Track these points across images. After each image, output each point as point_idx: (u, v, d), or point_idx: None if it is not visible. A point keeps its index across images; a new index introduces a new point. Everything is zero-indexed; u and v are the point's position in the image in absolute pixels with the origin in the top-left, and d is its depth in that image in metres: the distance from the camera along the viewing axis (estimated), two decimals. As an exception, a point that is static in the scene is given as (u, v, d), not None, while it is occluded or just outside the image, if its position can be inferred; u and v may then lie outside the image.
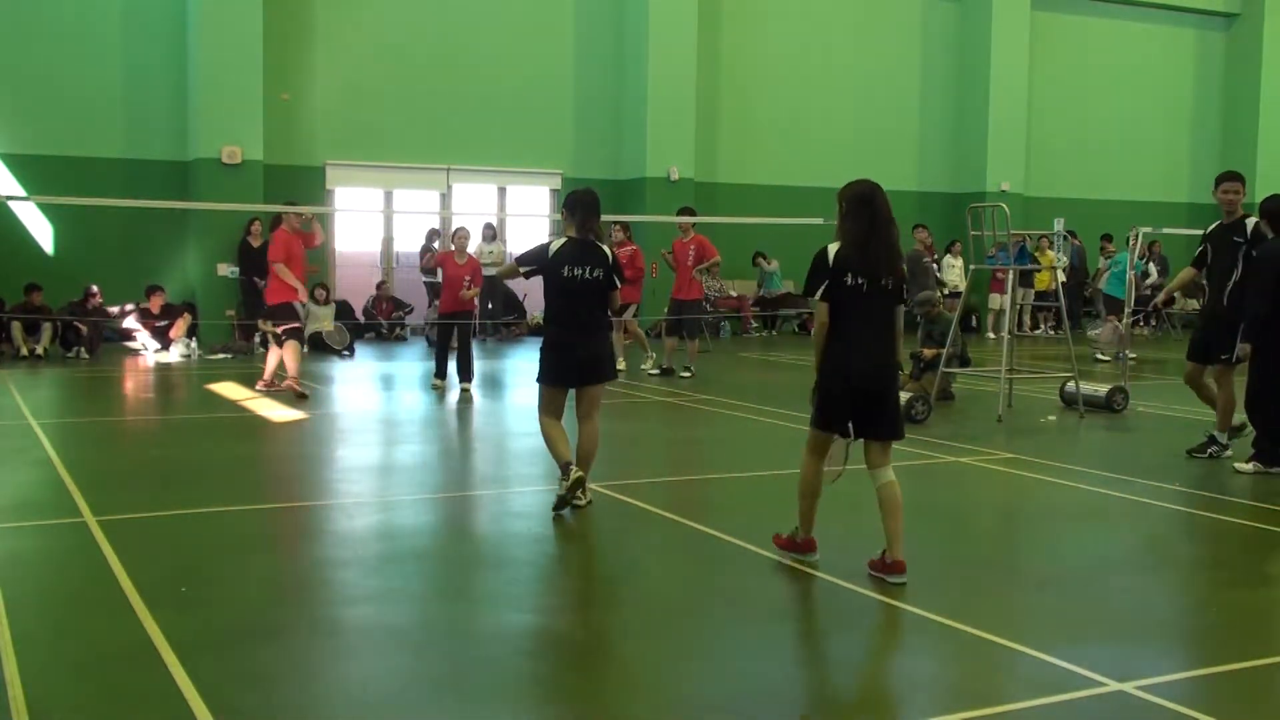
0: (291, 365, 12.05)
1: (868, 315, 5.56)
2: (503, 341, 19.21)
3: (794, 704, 4.43)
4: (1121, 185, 25.33)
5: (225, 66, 17.55)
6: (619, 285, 7.08)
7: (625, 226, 15.28)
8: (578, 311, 6.95)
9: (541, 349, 7.11)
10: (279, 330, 12.05)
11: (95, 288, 16.41)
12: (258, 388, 12.38)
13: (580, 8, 20.89)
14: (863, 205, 5.56)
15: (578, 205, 7.02)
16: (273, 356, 12.32)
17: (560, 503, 6.93)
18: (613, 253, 7.09)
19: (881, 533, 5.70)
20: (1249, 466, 8.51)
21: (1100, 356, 11.84)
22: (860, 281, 5.50)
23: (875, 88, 23.32)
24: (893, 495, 5.66)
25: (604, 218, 15.82)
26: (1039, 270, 18.53)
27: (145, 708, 4.13)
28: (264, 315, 12.61)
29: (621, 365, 14.62)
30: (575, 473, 6.86)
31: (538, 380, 7.09)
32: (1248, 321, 8.53)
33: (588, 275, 6.88)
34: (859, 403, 5.59)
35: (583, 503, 7.00)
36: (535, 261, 7.03)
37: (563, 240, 7.01)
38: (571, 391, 7.17)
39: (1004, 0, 23.59)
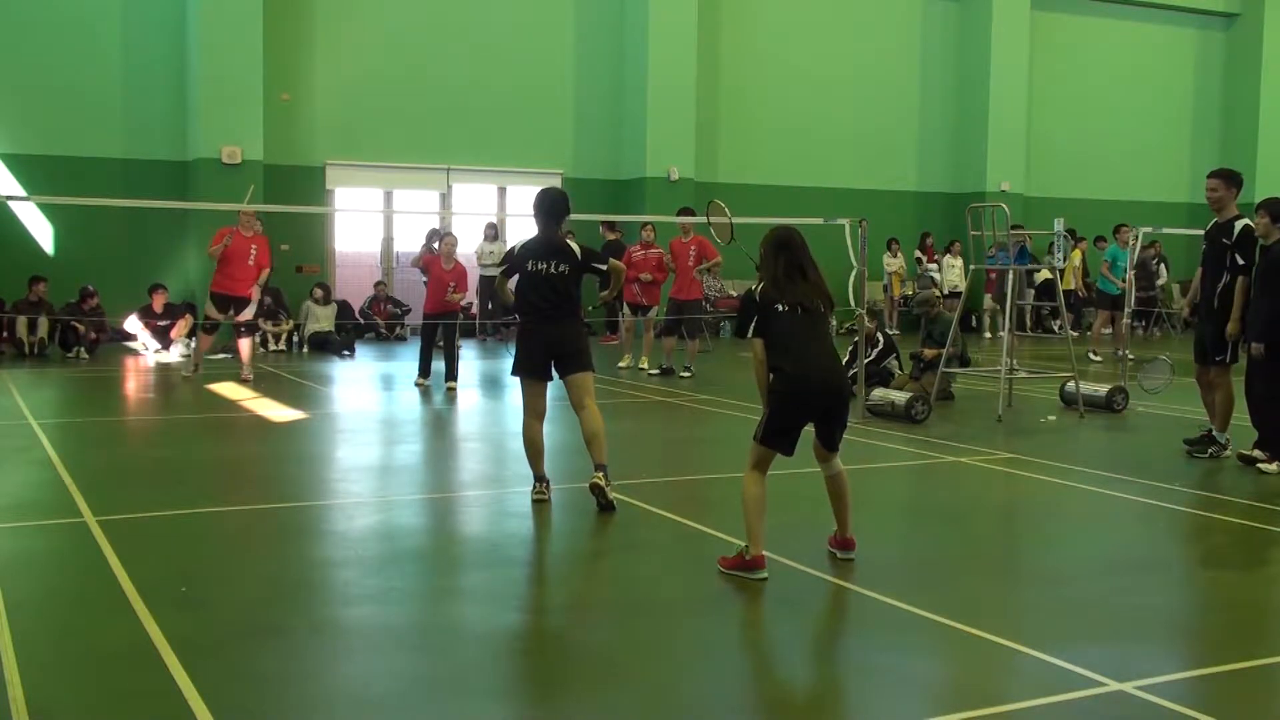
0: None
1: (808, 333, 5.75)
2: (503, 341, 19.21)
3: (793, 704, 4.43)
4: (1121, 185, 25.33)
5: (225, 66, 17.56)
6: (604, 270, 7.29)
7: (653, 228, 15.27)
8: (540, 302, 7.08)
9: (515, 342, 7.37)
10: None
11: (91, 288, 16.42)
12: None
13: (580, 8, 20.90)
14: (779, 250, 5.85)
15: (539, 209, 7.22)
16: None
17: (599, 497, 6.97)
18: (582, 249, 7.22)
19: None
20: (1273, 467, 8.48)
21: (1145, 389, 11.85)
22: (791, 306, 5.73)
23: (875, 88, 23.32)
24: (843, 483, 5.95)
25: (607, 217, 15.80)
26: (1039, 270, 18.52)
27: (145, 708, 4.13)
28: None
29: (643, 364, 14.66)
30: (596, 477, 6.97)
31: (512, 373, 7.22)
32: (1263, 322, 8.46)
33: (552, 270, 7.04)
34: (820, 413, 5.75)
35: (604, 485, 6.92)
36: (506, 262, 7.30)
37: (530, 238, 7.24)
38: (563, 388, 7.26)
39: (1004, 0, 23.59)
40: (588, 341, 7.29)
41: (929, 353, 11.93)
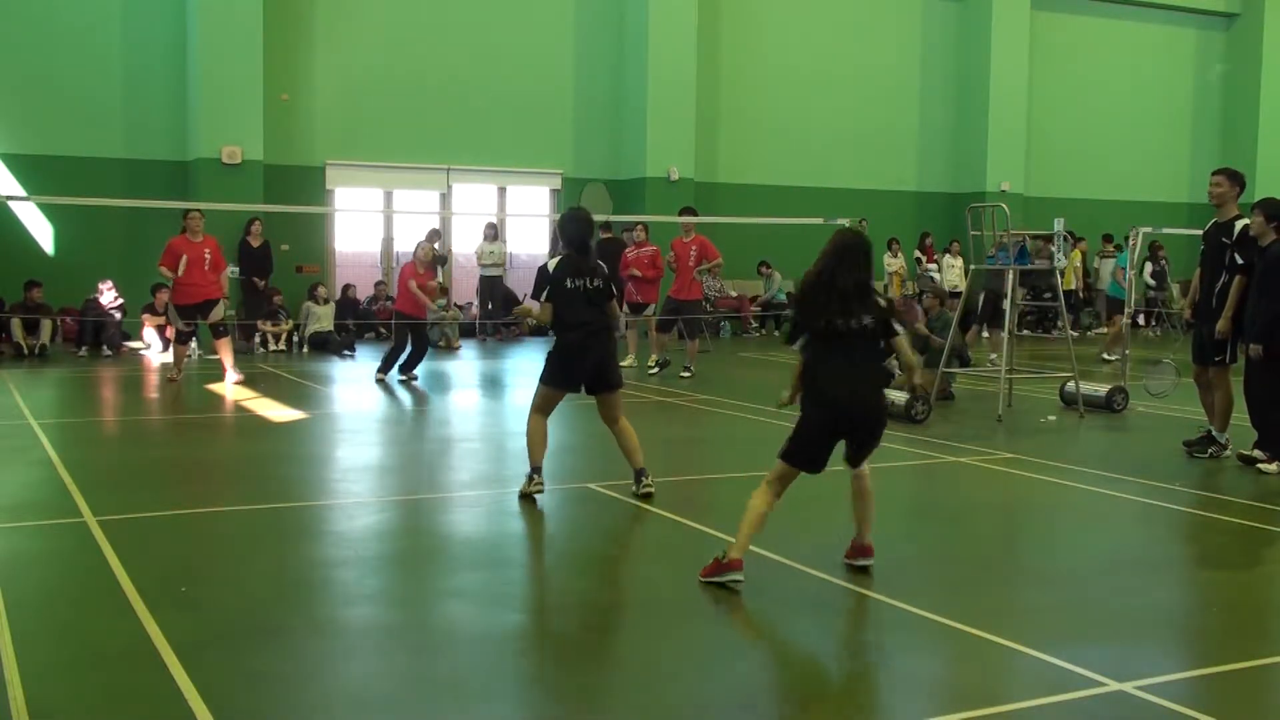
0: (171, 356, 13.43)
1: (845, 354, 5.55)
2: (503, 341, 19.21)
3: (793, 704, 4.43)
4: (1121, 185, 25.34)
5: (225, 67, 17.56)
6: (615, 295, 7.47)
7: (645, 227, 15.33)
8: (585, 318, 7.25)
9: (551, 354, 7.41)
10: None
11: (109, 283, 16.47)
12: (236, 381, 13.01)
13: (580, 8, 20.90)
14: (830, 256, 5.61)
15: (563, 233, 7.47)
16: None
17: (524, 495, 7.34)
18: (607, 267, 7.53)
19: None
20: (1273, 467, 8.48)
21: (1151, 393, 11.89)
22: (829, 324, 5.51)
23: (875, 88, 23.32)
24: (865, 484, 5.86)
25: (612, 218, 15.84)
26: (1038, 270, 18.49)
27: (145, 708, 4.13)
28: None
29: (650, 365, 14.72)
30: (645, 485, 7.40)
31: (542, 381, 7.36)
32: (1263, 324, 8.45)
33: (588, 284, 7.25)
34: (849, 434, 5.60)
35: (651, 489, 7.37)
36: (543, 284, 7.34)
37: (559, 257, 7.41)
38: (589, 401, 7.50)
39: (1004, 0, 23.60)
40: (617, 356, 7.63)
41: (936, 341, 11.91)
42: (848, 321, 5.52)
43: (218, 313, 13.23)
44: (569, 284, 7.22)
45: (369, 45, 19.39)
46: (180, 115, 18.25)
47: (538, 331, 18.12)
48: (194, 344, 16.34)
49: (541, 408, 7.36)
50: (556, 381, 7.32)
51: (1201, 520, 7.45)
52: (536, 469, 7.35)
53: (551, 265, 7.34)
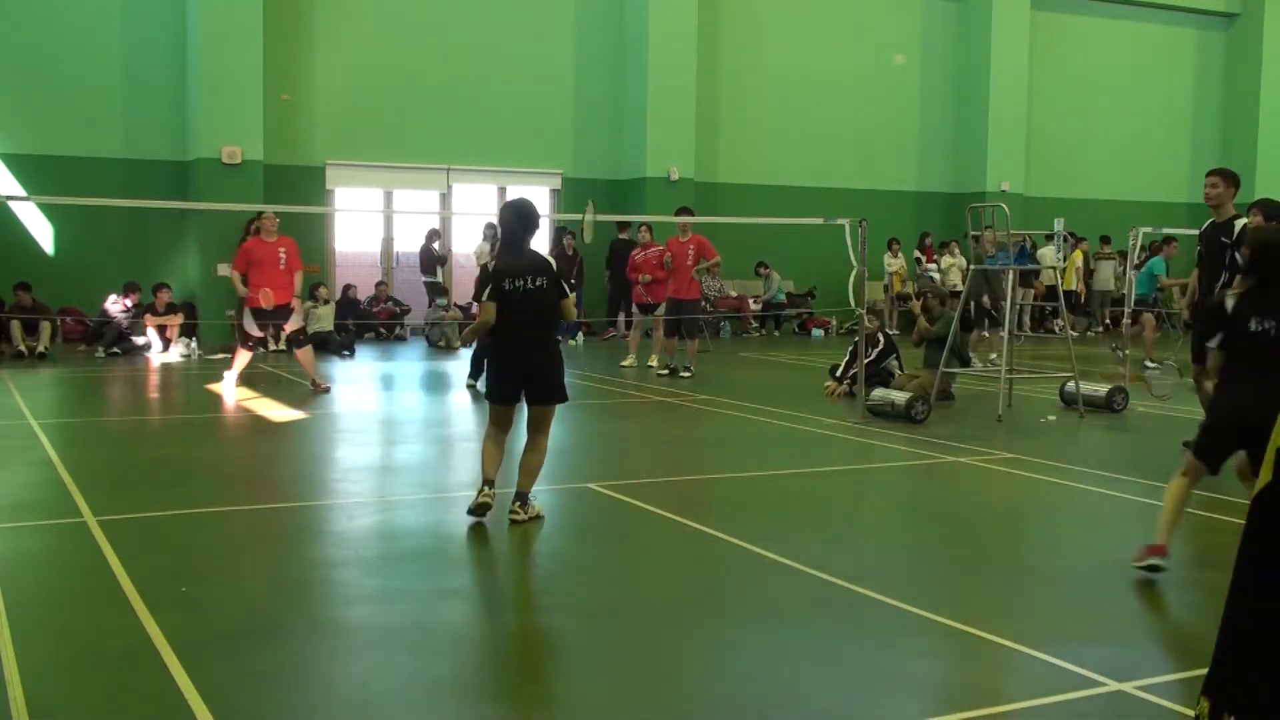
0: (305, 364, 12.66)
1: (1259, 361, 5.50)
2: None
3: (793, 704, 4.43)
4: (1121, 185, 25.35)
5: (225, 66, 17.57)
6: (569, 294, 6.82)
7: (649, 228, 15.38)
8: (517, 324, 6.64)
9: (487, 363, 7.14)
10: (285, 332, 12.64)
11: (124, 289, 16.50)
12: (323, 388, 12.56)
13: (580, 8, 20.90)
14: (1257, 259, 5.54)
15: (508, 224, 6.78)
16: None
17: (476, 510, 6.68)
18: (556, 261, 6.85)
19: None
20: None
21: (1154, 395, 11.88)
22: (1266, 327, 5.43)
23: (875, 88, 23.33)
24: None
25: (606, 218, 15.83)
26: (1039, 270, 18.52)
27: (145, 708, 4.13)
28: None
29: (652, 363, 14.68)
30: (516, 511, 6.66)
31: (486, 395, 7.05)
32: None
33: (529, 285, 6.61)
34: (1249, 444, 5.64)
35: (521, 518, 6.68)
36: (484, 285, 6.77)
37: (501, 255, 6.82)
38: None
39: (1004, 0, 23.61)
40: (563, 368, 6.90)
41: (923, 322, 12.04)
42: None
43: (295, 321, 12.48)
44: (506, 285, 6.59)
45: (369, 45, 19.40)
46: (180, 115, 18.26)
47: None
48: (194, 343, 16.39)
49: (493, 419, 6.91)
50: (489, 395, 6.91)
51: (1201, 520, 7.44)
52: (486, 481, 6.77)
53: (491, 264, 6.76)
